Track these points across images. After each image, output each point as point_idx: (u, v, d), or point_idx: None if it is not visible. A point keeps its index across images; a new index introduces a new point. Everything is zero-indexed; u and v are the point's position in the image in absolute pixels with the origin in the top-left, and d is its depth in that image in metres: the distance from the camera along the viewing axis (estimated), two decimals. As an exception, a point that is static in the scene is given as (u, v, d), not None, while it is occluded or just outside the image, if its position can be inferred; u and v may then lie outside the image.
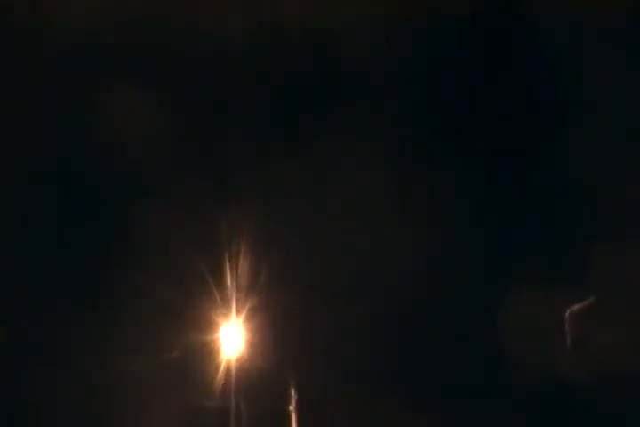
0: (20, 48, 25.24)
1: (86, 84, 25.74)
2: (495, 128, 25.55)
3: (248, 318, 26.17)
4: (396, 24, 25.00)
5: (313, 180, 26.73)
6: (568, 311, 23.52)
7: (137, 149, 25.02)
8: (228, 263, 26.22)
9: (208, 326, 26.01)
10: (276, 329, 26.15)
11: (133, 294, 25.62)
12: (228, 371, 25.63)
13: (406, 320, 25.70)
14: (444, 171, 24.22)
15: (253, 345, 26.09)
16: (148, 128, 24.96)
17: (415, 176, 24.79)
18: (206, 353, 25.81)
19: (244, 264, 26.29)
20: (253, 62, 26.72)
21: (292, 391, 25.57)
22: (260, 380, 25.69)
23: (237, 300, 26.18)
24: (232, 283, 26.24)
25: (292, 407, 25.43)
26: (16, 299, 24.73)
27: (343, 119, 26.06)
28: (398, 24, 24.94)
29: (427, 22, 25.02)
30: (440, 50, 25.73)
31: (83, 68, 25.91)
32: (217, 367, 25.69)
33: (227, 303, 26.19)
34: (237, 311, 26.15)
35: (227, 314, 26.16)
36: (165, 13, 25.11)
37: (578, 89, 24.27)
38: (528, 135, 26.25)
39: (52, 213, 25.62)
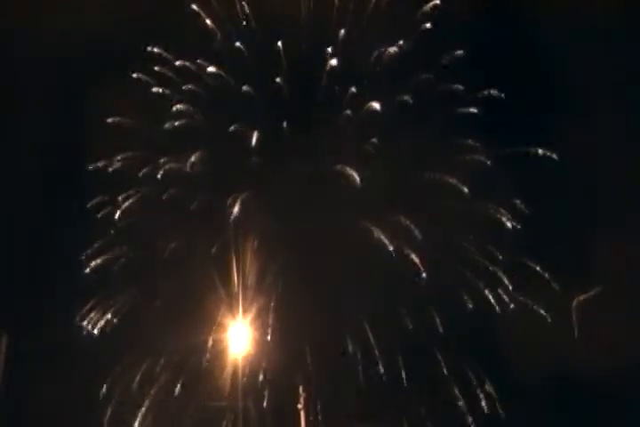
0: None
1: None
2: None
3: (255, 318, 26.18)
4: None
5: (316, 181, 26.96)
6: (575, 301, 23.34)
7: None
8: (234, 263, 26.32)
9: (216, 326, 26.02)
10: (283, 329, 26.19)
11: (140, 294, 25.98)
12: (235, 370, 25.47)
13: (416, 317, 25.64)
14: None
15: (261, 345, 26.04)
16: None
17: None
18: (214, 353, 25.81)
19: (251, 264, 26.39)
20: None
21: (301, 390, 25.31)
22: (267, 379, 25.61)
23: (245, 300, 26.19)
24: (239, 283, 26.30)
25: (300, 405, 25.12)
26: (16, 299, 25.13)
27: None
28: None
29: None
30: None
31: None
32: (225, 367, 25.61)
33: (234, 303, 26.21)
34: (245, 311, 26.13)
35: (234, 314, 26.13)
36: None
37: None
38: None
39: (54, 213, 26.12)
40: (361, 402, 25.00)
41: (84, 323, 25.74)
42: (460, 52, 25.07)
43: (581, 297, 23.25)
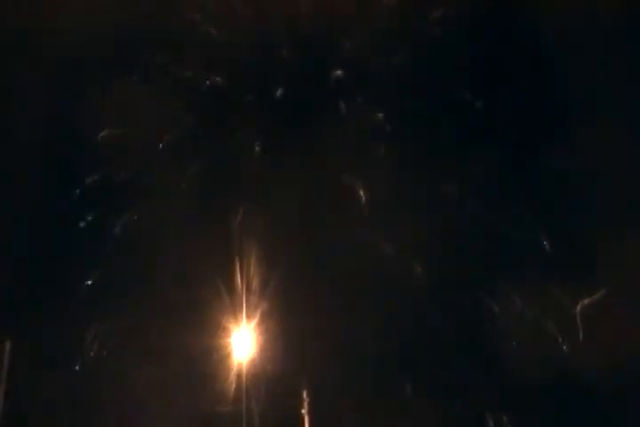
0: None
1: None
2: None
3: (259, 323, 26.20)
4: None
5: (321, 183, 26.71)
6: (579, 305, 23.47)
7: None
8: (239, 269, 26.37)
9: (220, 331, 26.01)
10: (287, 334, 26.20)
11: (145, 298, 25.93)
12: (239, 375, 25.51)
13: (416, 321, 25.71)
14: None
15: (265, 350, 26.05)
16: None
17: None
18: (218, 358, 25.79)
19: (255, 270, 26.43)
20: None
21: (305, 395, 25.36)
22: (271, 384, 25.60)
23: (248, 305, 26.25)
24: (243, 288, 26.35)
25: (304, 411, 25.17)
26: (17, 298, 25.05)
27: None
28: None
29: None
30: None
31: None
32: (229, 372, 25.62)
33: (238, 309, 26.25)
34: (248, 317, 26.19)
35: (238, 319, 26.17)
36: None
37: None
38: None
39: (61, 216, 26.08)
40: (364, 407, 24.99)
41: (86, 336, 25.68)
42: (468, 58, 25.07)
43: (585, 301, 23.37)
